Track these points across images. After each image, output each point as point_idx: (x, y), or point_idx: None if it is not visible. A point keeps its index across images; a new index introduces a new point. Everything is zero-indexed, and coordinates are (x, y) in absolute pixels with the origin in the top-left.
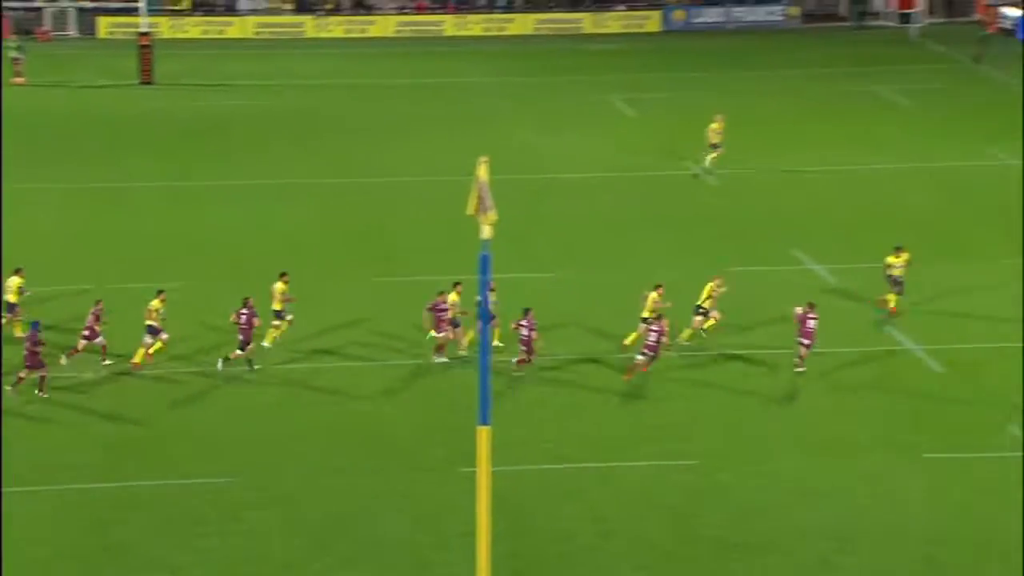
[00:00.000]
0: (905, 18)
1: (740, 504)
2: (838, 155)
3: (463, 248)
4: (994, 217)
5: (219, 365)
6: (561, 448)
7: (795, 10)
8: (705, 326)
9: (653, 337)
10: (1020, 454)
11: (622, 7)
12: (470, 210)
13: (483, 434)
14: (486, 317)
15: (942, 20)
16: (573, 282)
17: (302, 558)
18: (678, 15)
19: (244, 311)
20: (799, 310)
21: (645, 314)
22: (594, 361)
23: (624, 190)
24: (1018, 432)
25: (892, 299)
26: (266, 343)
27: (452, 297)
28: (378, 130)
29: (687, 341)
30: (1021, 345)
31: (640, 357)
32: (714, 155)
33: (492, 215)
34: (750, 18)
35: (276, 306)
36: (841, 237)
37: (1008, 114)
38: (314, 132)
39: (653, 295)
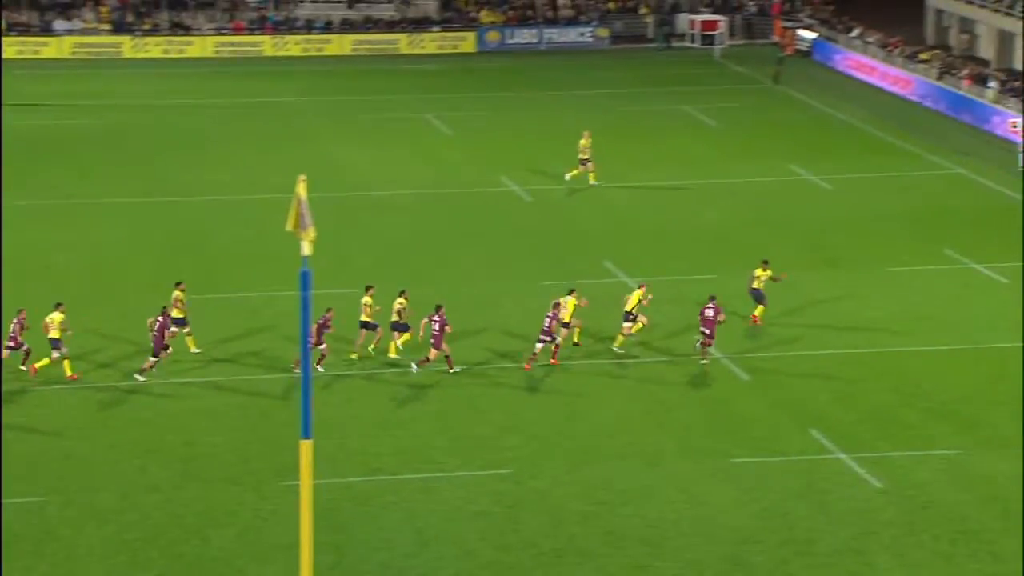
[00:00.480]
0: (708, 40)
1: (555, 511)
2: (647, 172)
3: (284, 265)
4: (792, 230)
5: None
6: (382, 460)
7: (604, 31)
8: (633, 331)
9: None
10: (817, 457)
11: (437, 28)
12: (289, 227)
13: (305, 448)
14: (306, 338)
15: (743, 42)
16: (391, 297)
17: None
18: (492, 36)
19: (160, 318)
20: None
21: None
22: (404, 374)
23: (441, 206)
24: (819, 436)
25: (759, 311)
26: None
27: (366, 299)
28: (196, 149)
29: (620, 348)
30: (818, 353)
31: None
32: (579, 171)
33: (311, 232)
34: (561, 39)
35: (177, 314)
36: (650, 250)
37: (806, 132)
38: (131, 151)
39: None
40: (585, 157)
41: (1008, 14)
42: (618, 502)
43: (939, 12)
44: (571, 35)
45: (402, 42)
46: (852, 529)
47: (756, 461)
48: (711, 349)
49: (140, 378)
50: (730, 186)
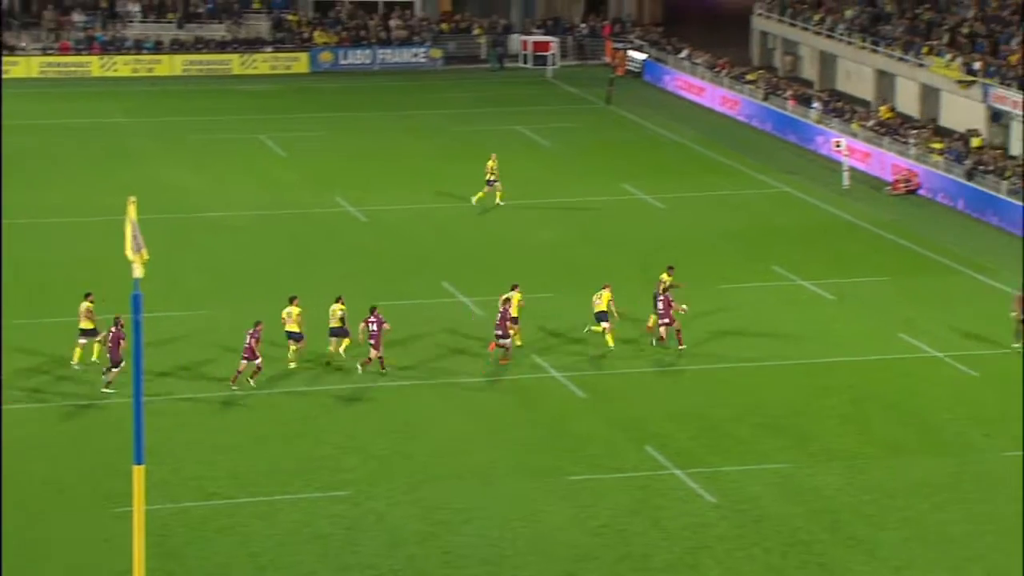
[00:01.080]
0: (541, 61)
1: (393, 532)
2: (476, 190)
3: (115, 287)
4: (626, 249)
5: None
6: (218, 484)
7: (437, 52)
8: (602, 329)
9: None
10: (653, 473)
11: (270, 49)
12: (128, 252)
13: (138, 473)
14: (139, 361)
15: (575, 63)
16: (224, 319)
17: None
18: (325, 57)
19: (113, 329)
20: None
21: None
22: (250, 396)
23: (276, 227)
24: (654, 452)
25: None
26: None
27: (295, 310)
28: (22, 172)
29: (611, 346)
30: (652, 370)
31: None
32: (485, 192)
33: (144, 254)
34: (395, 60)
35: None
36: (487, 270)
37: (638, 151)
38: None
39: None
40: (492, 178)
41: (829, 36)
42: (456, 521)
43: (764, 34)
44: (405, 56)
45: (234, 63)
46: (686, 544)
47: (592, 478)
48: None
49: (108, 391)
50: (565, 205)
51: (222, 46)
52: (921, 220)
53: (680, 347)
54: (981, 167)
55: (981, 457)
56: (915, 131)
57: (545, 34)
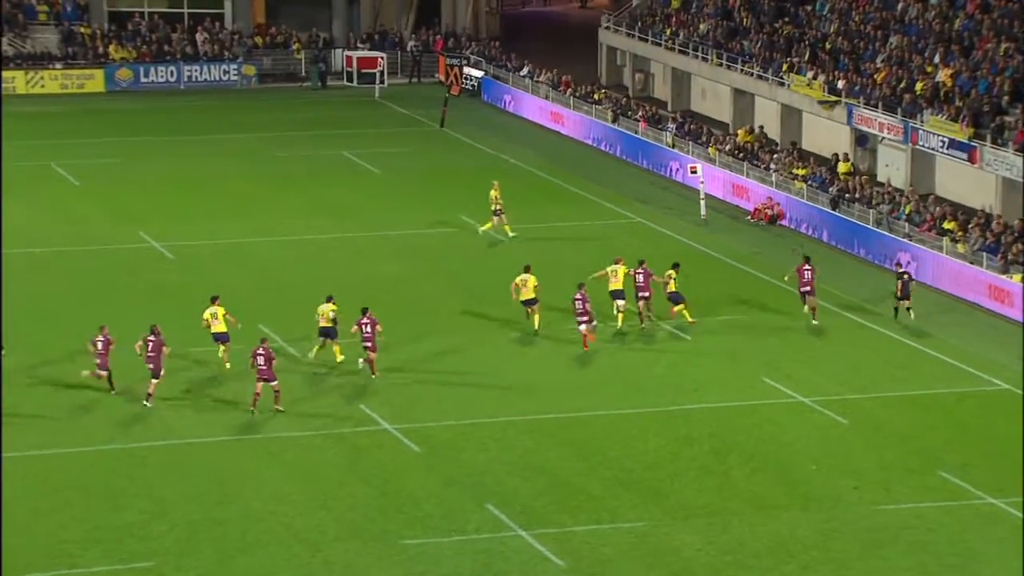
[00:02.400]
0: (368, 78)
1: None
2: (302, 223)
3: None
4: (462, 283)
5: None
6: (11, 557)
7: (251, 69)
8: (624, 308)
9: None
10: (496, 535)
11: (60, 66)
12: None
13: None
14: None
15: (406, 81)
16: (15, 364)
17: None
18: (123, 74)
19: (100, 338)
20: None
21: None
22: (40, 456)
23: (75, 264)
24: (497, 512)
25: (679, 308)
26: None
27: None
28: None
29: (623, 325)
30: (493, 420)
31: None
32: (492, 223)
33: None
34: (203, 78)
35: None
36: (304, 309)
37: (476, 178)
38: None
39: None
40: (497, 207)
41: (683, 52)
42: None
43: (612, 50)
44: (214, 73)
45: (19, 80)
46: None
47: (430, 542)
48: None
49: (148, 404)
50: (397, 238)
51: (4, 62)
52: (783, 252)
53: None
54: (847, 195)
55: (851, 511)
56: (776, 155)
57: (371, 49)
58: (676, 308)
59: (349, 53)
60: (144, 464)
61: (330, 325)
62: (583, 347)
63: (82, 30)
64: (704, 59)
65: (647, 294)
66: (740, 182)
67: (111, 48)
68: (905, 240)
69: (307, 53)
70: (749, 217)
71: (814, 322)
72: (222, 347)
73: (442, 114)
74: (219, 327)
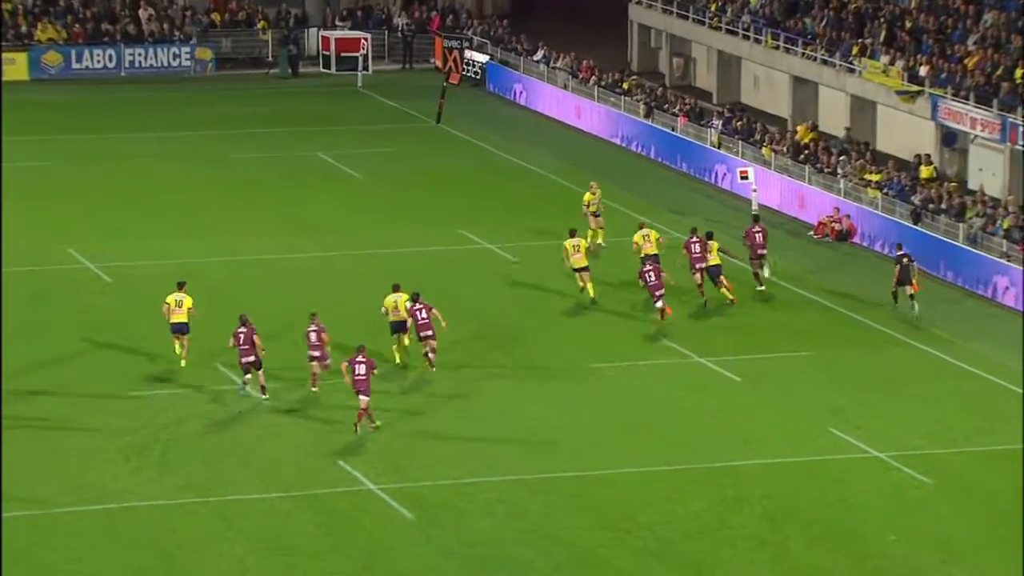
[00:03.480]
0: (349, 64)
1: None
2: (269, 240)
3: None
4: (464, 312)
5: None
6: None
7: (206, 53)
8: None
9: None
10: None
11: None
12: None
13: None
14: None
15: (395, 67)
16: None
17: None
18: (51, 59)
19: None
20: None
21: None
22: None
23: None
24: None
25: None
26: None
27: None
28: None
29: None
30: (499, 479)
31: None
32: (597, 230)
33: None
34: (149, 64)
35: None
36: (272, 343)
37: (479, 186)
38: None
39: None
40: (596, 211)
41: (731, 32)
42: None
43: (645, 30)
44: (162, 58)
45: None
46: None
47: None
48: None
49: (265, 397)
50: (386, 258)
51: None
52: (854, 276)
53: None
54: (931, 206)
55: None
56: (844, 157)
57: (353, 28)
58: (723, 283)
59: (326, 33)
60: (72, 532)
61: (403, 319)
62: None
63: (2, 6)
64: (757, 40)
65: (703, 264)
66: (801, 189)
67: (37, 28)
68: (1003, 261)
69: (275, 33)
70: (812, 233)
71: (759, 288)
72: (181, 339)
73: (439, 107)
74: (180, 316)
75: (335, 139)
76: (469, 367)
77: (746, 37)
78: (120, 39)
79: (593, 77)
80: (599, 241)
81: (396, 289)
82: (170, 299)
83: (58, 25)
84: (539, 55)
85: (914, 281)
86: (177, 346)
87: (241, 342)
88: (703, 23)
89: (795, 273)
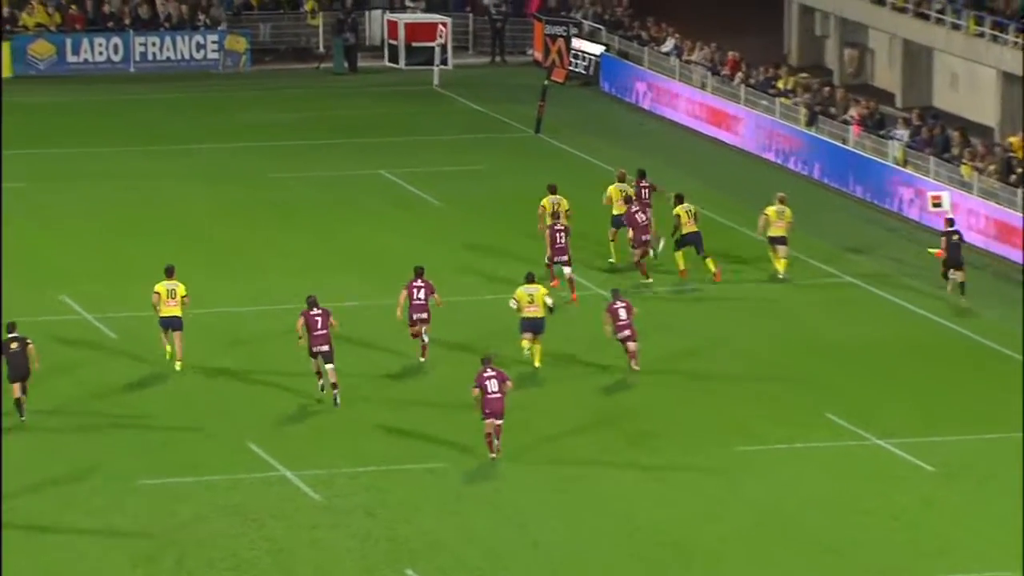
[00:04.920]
0: (422, 56)
1: None
2: (315, 283)
3: None
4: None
5: None
6: None
7: (238, 42)
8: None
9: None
10: None
11: None
12: None
13: None
14: None
15: (481, 60)
16: None
17: None
18: (40, 50)
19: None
20: None
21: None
22: None
23: None
24: None
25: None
26: None
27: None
28: None
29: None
30: None
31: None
32: (777, 255)
33: None
34: (166, 56)
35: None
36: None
37: (589, 211)
38: None
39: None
40: (779, 233)
41: (921, 16)
42: None
43: (808, 12)
44: (181, 49)
45: None
46: None
47: None
48: None
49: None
50: (469, 307)
51: None
52: None
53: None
54: None
55: None
56: None
57: (428, 11)
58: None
59: (393, 17)
60: None
61: (541, 316)
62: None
63: None
64: (954, 26)
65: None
66: (1013, 221)
67: (24, 13)
68: None
69: (327, 17)
70: None
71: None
72: (173, 336)
73: (538, 112)
74: (173, 309)
75: (403, 154)
76: (570, 447)
77: (940, 22)
78: (129, 25)
79: (739, 74)
80: (780, 272)
81: (531, 280)
82: (160, 288)
83: (49, 7)
84: (669, 45)
85: (963, 267)
86: (168, 345)
87: (318, 327)
88: (883, 4)
89: (1008, 331)
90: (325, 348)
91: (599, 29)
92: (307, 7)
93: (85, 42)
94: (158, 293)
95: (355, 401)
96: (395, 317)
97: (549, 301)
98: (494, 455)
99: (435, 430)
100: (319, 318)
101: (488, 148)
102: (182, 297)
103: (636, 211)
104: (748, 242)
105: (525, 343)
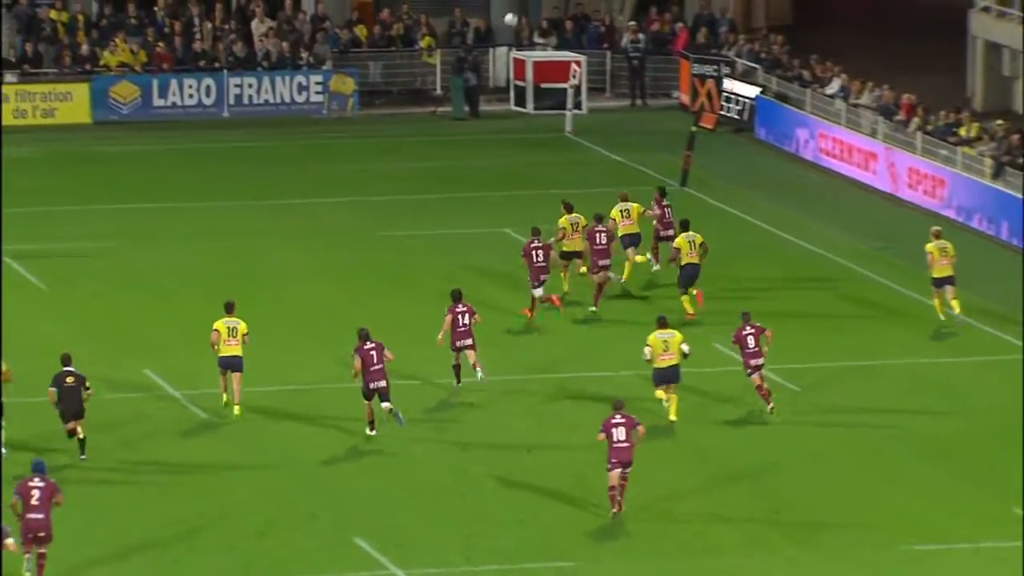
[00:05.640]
0: (552, 99)
1: None
2: (427, 360)
3: None
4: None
5: None
6: None
7: (345, 83)
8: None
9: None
10: None
11: (11, 77)
12: None
13: None
14: None
15: (618, 103)
16: None
17: None
18: (123, 93)
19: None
20: None
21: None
22: None
23: (34, 422)
24: None
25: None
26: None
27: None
28: None
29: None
30: None
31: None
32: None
33: None
34: (264, 99)
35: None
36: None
37: (743, 277)
38: None
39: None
40: (947, 274)
41: None
42: None
43: (994, 49)
44: (281, 91)
45: None
46: None
47: None
48: None
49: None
50: (602, 382)
51: None
52: None
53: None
54: None
55: None
56: None
57: (559, 47)
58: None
59: (520, 55)
60: None
61: (676, 363)
62: None
63: (52, 15)
64: None
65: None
66: None
67: (106, 52)
68: None
69: (445, 55)
70: None
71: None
72: (232, 378)
73: (685, 163)
74: (233, 348)
75: (531, 210)
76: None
77: None
78: (223, 64)
79: (915, 119)
80: (956, 311)
81: (663, 324)
82: (219, 325)
83: (133, 44)
84: (835, 86)
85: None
86: (226, 389)
87: (374, 361)
88: None
89: None
90: (383, 384)
91: (754, 68)
92: (423, 44)
93: (173, 83)
94: (217, 331)
95: (467, 482)
96: (523, 397)
97: (685, 348)
98: (616, 510)
99: (556, 518)
100: (374, 352)
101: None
102: (243, 335)
103: (600, 230)
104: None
105: (660, 394)
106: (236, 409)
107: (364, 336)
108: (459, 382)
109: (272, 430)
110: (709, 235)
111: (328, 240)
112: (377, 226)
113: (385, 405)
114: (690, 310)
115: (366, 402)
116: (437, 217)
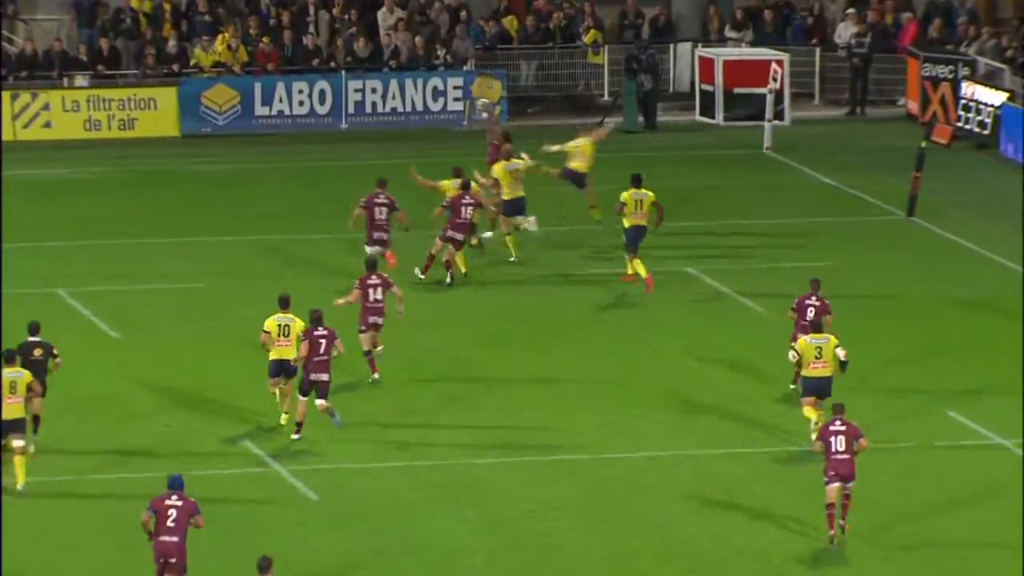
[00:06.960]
0: (747, 108)
1: None
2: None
3: None
4: None
5: None
6: None
7: (493, 89)
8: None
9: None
10: None
11: (85, 81)
12: None
13: None
14: None
15: (828, 112)
16: None
17: None
18: (219, 98)
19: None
20: None
21: None
22: None
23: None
24: None
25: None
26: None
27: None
28: None
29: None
30: None
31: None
32: None
33: None
34: (390, 107)
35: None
36: None
37: (977, 326)
38: None
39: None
40: None
41: None
42: None
43: None
44: (414, 97)
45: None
46: None
47: None
48: None
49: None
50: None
51: None
52: None
53: None
54: None
55: None
56: None
57: (756, 43)
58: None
59: (707, 52)
60: None
61: (830, 375)
62: None
63: (132, 4)
64: None
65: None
66: None
67: (196, 47)
68: None
69: (615, 53)
70: None
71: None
72: (281, 383)
73: (913, 186)
74: (286, 351)
75: (719, 243)
76: None
77: None
78: (340, 65)
79: None
80: None
81: (818, 328)
82: (270, 324)
83: (232, 40)
84: None
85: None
86: (280, 397)
87: (320, 351)
88: None
89: None
90: (324, 377)
91: (1000, 70)
92: (586, 39)
93: (280, 87)
94: (268, 332)
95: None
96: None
97: (841, 354)
98: (834, 533)
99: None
100: (323, 340)
101: (840, 237)
102: (297, 335)
103: (468, 202)
104: None
105: (809, 411)
106: (283, 418)
107: (316, 320)
108: None
109: (400, 511)
110: (940, 275)
111: (477, 280)
112: (538, 260)
113: (320, 403)
114: (643, 273)
115: (301, 398)
116: (607, 256)
